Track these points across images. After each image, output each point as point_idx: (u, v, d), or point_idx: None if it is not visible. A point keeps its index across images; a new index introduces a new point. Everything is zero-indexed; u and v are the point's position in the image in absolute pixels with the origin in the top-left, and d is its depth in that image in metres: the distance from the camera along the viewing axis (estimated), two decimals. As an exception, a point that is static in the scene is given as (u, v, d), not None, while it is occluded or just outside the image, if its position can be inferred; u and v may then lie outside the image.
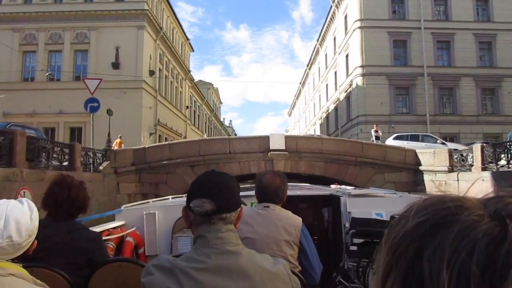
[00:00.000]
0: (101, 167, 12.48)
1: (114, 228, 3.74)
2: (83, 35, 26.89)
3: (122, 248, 3.49)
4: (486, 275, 0.27)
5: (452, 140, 23.94)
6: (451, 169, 13.50)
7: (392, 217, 3.63)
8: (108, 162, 12.94)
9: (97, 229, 3.22)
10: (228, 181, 1.32)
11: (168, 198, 4.81)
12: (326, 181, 14.20)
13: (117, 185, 13.31)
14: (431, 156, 14.31)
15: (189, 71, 40.13)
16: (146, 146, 14.56)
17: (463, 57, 27.86)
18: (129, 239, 3.60)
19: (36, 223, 1.41)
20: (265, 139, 14.83)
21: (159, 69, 31.66)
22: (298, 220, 2.23)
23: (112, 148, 15.20)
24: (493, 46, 28.30)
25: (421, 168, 14.52)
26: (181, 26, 37.58)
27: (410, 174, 14.72)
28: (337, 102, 33.03)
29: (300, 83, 50.69)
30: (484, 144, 12.10)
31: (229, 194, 1.28)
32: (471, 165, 12.60)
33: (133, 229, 3.78)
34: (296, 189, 5.10)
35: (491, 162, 11.80)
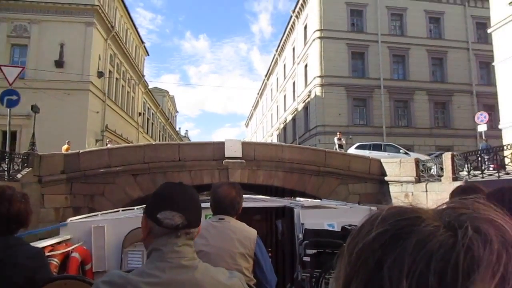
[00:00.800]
0: (19, 175, 10.02)
1: (59, 243, 3.40)
2: (22, 28, 23.74)
3: (67, 265, 3.19)
4: (442, 285, 0.28)
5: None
6: (418, 180, 12.35)
7: (343, 228, 3.68)
8: (30, 169, 10.49)
9: (39, 244, 2.90)
10: (195, 194, 1.26)
11: (118, 211, 4.43)
12: (286, 193, 12.55)
13: (41, 196, 10.84)
14: (397, 166, 13.14)
15: (143, 75, 37.52)
16: (80, 151, 12.17)
17: (417, 71, 27.79)
18: (74, 254, 3.31)
19: None
20: (220, 145, 12.99)
21: (109, 71, 28.99)
22: (253, 232, 2.17)
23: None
24: (444, 62, 28.49)
25: (386, 178, 13.30)
26: (135, 28, 35.06)
27: (375, 185, 13.45)
28: (295, 112, 31.91)
29: (258, 93, 49.44)
30: (455, 153, 11.06)
31: (197, 208, 1.24)
32: (440, 175, 11.53)
33: (80, 244, 3.48)
34: (251, 201, 4.98)
35: (462, 171, 10.75)
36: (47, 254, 2.70)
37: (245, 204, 2.53)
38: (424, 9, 28.30)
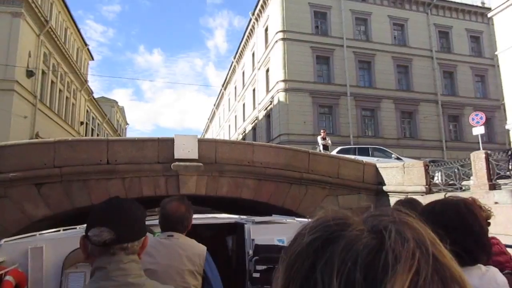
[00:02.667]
0: None
1: None
2: None
3: None
4: (368, 280, 0.30)
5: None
6: (429, 190, 9.10)
7: None
8: None
9: None
10: (131, 207, 1.17)
11: (59, 230, 3.81)
12: (260, 210, 8.73)
13: None
14: (399, 172, 9.83)
15: (86, 81, 32.39)
16: None
17: (383, 79, 25.50)
18: (8, 278, 3.01)
19: None
20: (167, 143, 8.99)
21: (43, 72, 23.91)
22: (202, 248, 2.08)
23: None
24: (409, 70, 26.52)
25: (385, 188, 9.96)
26: (77, 28, 30.12)
27: (371, 196, 10.05)
28: (256, 121, 28.40)
29: (214, 105, 45.61)
30: (489, 152, 7.94)
31: (131, 221, 1.13)
32: (449, 184, 8.37)
33: (15, 266, 3.16)
34: (201, 217, 4.53)
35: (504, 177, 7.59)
36: None
37: (195, 221, 2.42)
38: (388, 15, 26.31)
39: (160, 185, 8.82)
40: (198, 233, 3.39)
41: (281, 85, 23.61)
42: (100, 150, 8.58)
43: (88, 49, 32.85)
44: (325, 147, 11.97)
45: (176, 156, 8.85)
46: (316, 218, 0.39)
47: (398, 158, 12.91)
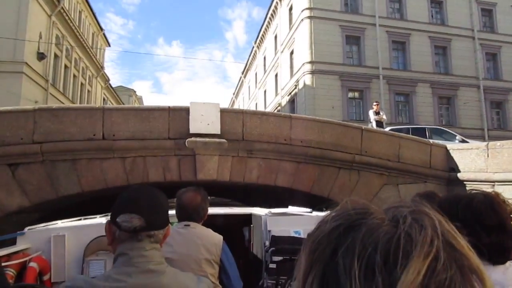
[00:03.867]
0: None
1: (15, 253, 3.07)
2: None
3: (24, 275, 2.90)
4: (387, 264, 0.32)
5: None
6: (528, 177, 6.58)
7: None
8: None
9: None
10: (159, 196, 1.18)
11: (80, 219, 3.83)
12: (296, 201, 6.36)
13: None
14: (480, 156, 7.30)
15: (102, 67, 30.61)
16: None
17: (419, 61, 22.65)
18: (32, 264, 3.00)
19: None
20: (181, 113, 6.71)
21: (55, 55, 22.12)
22: (219, 238, 2.08)
23: None
24: (448, 51, 23.56)
25: (460, 176, 7.48)
26: (92, 11, 28.28)
27: (441, 186, 7.58)
28: (278, 107, 25.99)
29: (233, 93, 43.41)
30: None
31: (159, 210, 1.15)
32: None
33: (38, 253, 3.16)
34: (217, 208, 4.82)
35: None
36: (2, 264, 2.15)
37: (211, 211, 2.46)
38: (425, -9, 23.40)
39: (171, 167, 6.59)
40: (215, 223, 3.24)
41: (307, 67, 21.11)
42: (94, 121, 6.40)
43: (104, 34, 30.98)
44: (379, 123, 9.46)
45: (192, 130, 6.59)
46: (339, 207, 0.40)
47: (463, 141, 10.37)
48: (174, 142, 6.58)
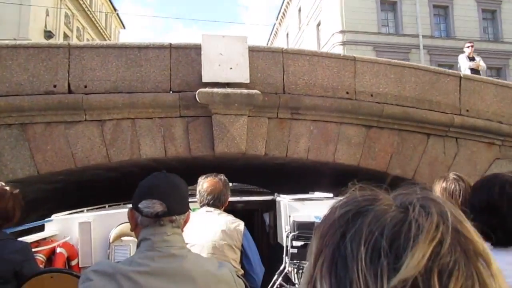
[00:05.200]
0: None
1: (44, 239, 3.12)
2: None
3: (53, 260, 2.97)
4: (392, 248, 0.32)
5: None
6: None
7: None
8: None
9: (25, 240, 2.50)
10: (179, 182, 1.17)
11: (104, 206, 3.89)
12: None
13: None
14: None
15: (117, 50, 28.40)
16: None
17: (464, 28, 19.33)
18: (60, 250, 3.05)
19: None
20: (189, 53, 4.23)
21: (65, 35, 20.07)
22: (240, 224, 2.03)
23: None
24: (497, 15, 20.10)
25: None
26: (104, -11, 26.03)
27: None
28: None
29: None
30: None
31: (180, 195, 1.14)
32: None
33: (66, 239, 3.20)
34: (238, 194, 4.66)
35: None
36: (33, 249, 2.17)
37: (232, 198, 2.43)
38: None
39: (175, 135, 4.13)
40: (236, 209, 3.38)
41: (338, 38, 18.21)
42: (54, 65, 3.98)
43: (118, 15, 28.77)
44: (475, 72, 6.62)
45: (206, 78, 4.10)
46: (348, 194, 0.41)
47: None
48: (179, 97, 4.11)
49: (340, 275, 0.34)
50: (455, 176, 1.66)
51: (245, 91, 4.09)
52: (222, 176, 2.13)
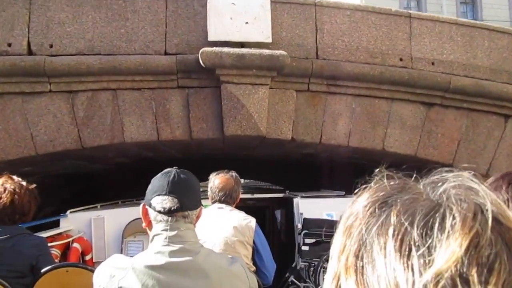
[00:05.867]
0: None
1: (59, 234, 3.15)
2: None
3: (68, 255, 3.00)
4: (424, 239, 0.30)
5: None
6: None
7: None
8: None
9: (41, 235, 2.50)
10: (190, 178, 1.16)
11: (117, 202, 3.99)
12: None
13: None
14: None
15: None
16: None
17: (492, 16, 17.88)
18: (75, 245, 3.09)
19: None
20: (190, 3, 3.20)
21: None
22: (252, 220, 1.98)
23: None
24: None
25: None
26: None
27: None
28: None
29: None
30: None
31: (191, 191, 1.14)
32: None
33: (80, 234, 3.24)
34: (250, 191, 4.85)
35: None
36: (48, 244, 2.21)
37: (244, 195, 2.58)
38: None
39: (171, 112, 3.01)
40: (248, 206, 3.43)
41: None
42: (10, 17, 2.91)
43: None
44: None
45: (212, 36, 2.98)
46: (373, 183, 0.38)
47: None
48: (177, 61, 2.98)
49: (367, 271, 0.31)
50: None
51: (266, 51, 2.94)
52: (234, 173, 2.09)
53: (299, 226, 3.49)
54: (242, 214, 2.00)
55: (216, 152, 4.49)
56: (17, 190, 1.73)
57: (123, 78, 2.99)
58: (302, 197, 3.75)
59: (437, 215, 0.31)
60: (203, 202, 1.26)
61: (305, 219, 3.42)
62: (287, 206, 3.98)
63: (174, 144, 3.22)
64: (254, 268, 1.95)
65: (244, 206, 2.23)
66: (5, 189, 1.71)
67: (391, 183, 0.37)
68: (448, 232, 0.29)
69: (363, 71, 3.24)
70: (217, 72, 2.95)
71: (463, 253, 0.28)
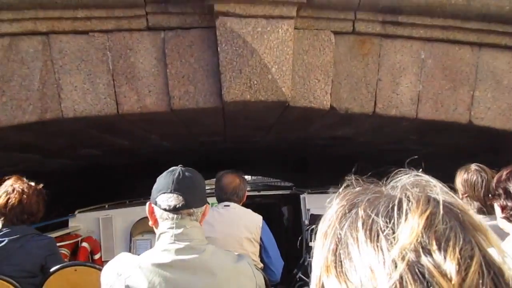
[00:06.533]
0: None
1: (68, 234, 3.19)
2: None
3: (77, 254, 3.03)
4: (388, 225, 0.34)
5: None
6: None
7: None
8: None
9: (49, 235, 2.44)
10: (195, 176, 1.16)
11: (125, 202, 3.97)
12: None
13: None
14: None
15: None
16: None
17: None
18: (84, 244, 3.12)
19: None
20: None
21: None
22: (258, 218, 1.99)
23: None
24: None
25: None
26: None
27: None
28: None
29: None
30: None
31: (196, 189, 1.14)
32: None
33: (88, 234, 3.28)
34: (256, 188, 4.98)
35: None
36: (57, 244, 2.19)
37: (250, 192, 2.57)
38: None
39: (137, 68, 1.88)
40: (254, 203, 3.35)
41: None
42: None
43: None
44: None
45: None
46: (341, 190, 0.43)
47: None
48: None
49: (345, 264, 0.35)
50: (477, 167, 1.61)
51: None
52: (240, 172, 2.11)
53: (306, 222, 3.52)
54: (249, 212, 2.00)
55: (217, 139, 3.36)
56: (25, 190, 1.75)
57: (59, 15, 1.84)
58: (308, 193, 3.78)
59: (396, 203, 0.35)
60: (209, 200, 1.23)
61: (312, 215, 3.46)
62: (294, 202, 4.03)
63: (147, 121, 2.07)
64: (261, 265, 1.95)
65: (251, 204, 2.26)
66: (13, 190, 1.73)
67: (356, 188, 0.41)
68: (407, 213, 0.33)
69: (438, 0, 2.05)
70: (210, 1, 1.78)
71: (421, 229, 0.32)
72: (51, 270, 1.71)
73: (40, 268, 1.73)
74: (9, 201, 1.71)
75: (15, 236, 1.68)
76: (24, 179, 1.79)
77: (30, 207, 1.76)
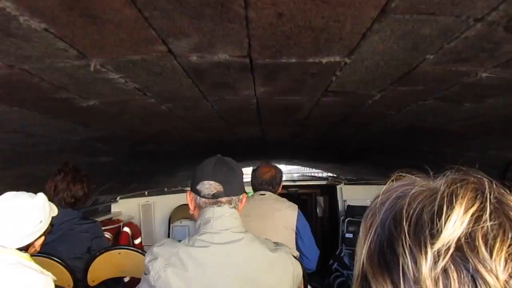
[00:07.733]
0: None
1: (110, 219, 3.32)
2: None
3: (119, 239, 3.12)
4: (433, 219, 0.33)
5: None
6: None
7: None
8: None
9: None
10: (234, 164, 1.16)
11: (164, 189, 4.11)
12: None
13: None
14: None
15: None
16: None
17: None
18: (125, 229, 3.23)
19: (46, 213, 1.32)
20: None
21: None
22: (294, 207, 2.03)
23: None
24: None
25: None
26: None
27: None
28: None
29: None
30: None
31: (235, 176, 1.14)
32: None
33: (130, 219, 3.42)
34: (292, 179, 5.08)
35: None
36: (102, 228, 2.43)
37: (286, 182, 2.63)
38: None
39: None
40: (290, 192, 3.58)
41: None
42: None
43: None
44: None
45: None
46: (388, 183, 0.42)
47: None
48: None
49: (387, 254, 0.35)
50: None
51: None
52: (275, 164, 2.18)
53: (343, 213, 3.52)
54: (284, 201, 2.02)
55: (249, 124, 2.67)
56: (71, 176, 1.84)
57: None
58: (345, 183, 3.75)
59: (443, 198, 0.34)
60: (246, 189, 1.22)
61: (348, 206, 3.46)
62: (331, 193, 4.00)
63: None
64: (297, 253, 1.93)
65: (287, 194, 2.29)
66: (61, 175, 1.83)
67: (403, 181, 0.40)
68: (454, 209, 0.32)
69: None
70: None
71: (466, 224, 0.31)
72: (97, 252, 1.81)
73: (87, 250, 1.83)
74: (58, 186, 1.82)
75: (64, 220, 1.75)
76: (71, 165, 1.91)
77: (77, 192, 1.87)
